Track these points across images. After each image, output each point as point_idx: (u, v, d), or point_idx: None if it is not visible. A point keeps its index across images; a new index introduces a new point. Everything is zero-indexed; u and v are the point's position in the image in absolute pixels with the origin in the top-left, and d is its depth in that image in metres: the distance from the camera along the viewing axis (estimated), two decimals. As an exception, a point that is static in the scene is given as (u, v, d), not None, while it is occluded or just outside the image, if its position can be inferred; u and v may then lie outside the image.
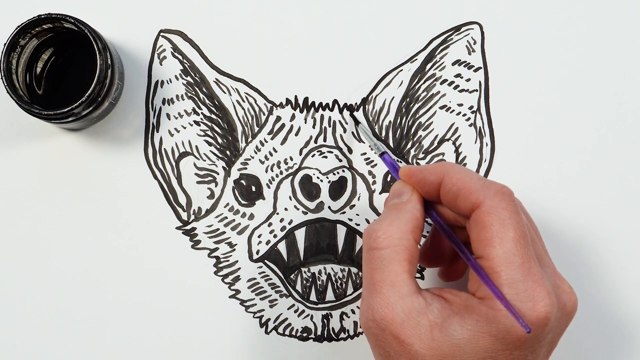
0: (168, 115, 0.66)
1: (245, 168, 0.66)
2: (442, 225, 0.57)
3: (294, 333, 0.66)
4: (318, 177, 0.66)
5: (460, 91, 0.67)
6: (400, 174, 0.58)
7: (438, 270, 0.63)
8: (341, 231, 0.66)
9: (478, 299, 0.54)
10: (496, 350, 0.52)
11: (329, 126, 0.66)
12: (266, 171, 0.66)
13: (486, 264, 0.53)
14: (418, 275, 0.67)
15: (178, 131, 0.66)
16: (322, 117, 0.66)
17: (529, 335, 0.52)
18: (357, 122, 0.65)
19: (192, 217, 0.66)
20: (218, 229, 0.66)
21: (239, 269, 0.66)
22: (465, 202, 0.55)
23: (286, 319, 0.66)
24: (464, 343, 0.52)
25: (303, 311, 0.66)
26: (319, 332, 0.66)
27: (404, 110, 0.67)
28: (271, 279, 0.66)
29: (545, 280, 0.53)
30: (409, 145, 0.67)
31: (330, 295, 0.66)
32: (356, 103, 0.66)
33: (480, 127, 0.67)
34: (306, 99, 0.66)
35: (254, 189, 0.66)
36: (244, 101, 0.66)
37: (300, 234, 0.66)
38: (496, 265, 0.52)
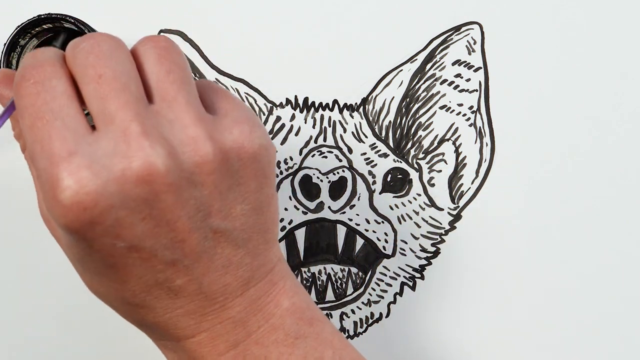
0: (168, 115, 0.66)
1: (245, 168, 0.66)
2: None
3: (294, 333, 0.66)
4: (318, 177, 0.66)
5: (460, 91, 0.67)
6: None
7: None
8: (341, 231, 0.66)
9: None
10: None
11: (329, 126, 0.66)
12: (266, 171, 0.66)
13: None
14: (418, 275, 0.67)
15: (178, 131, 0.66)
16: (322, 117, 0.66)
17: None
18: None
19: (192, 217, 0.66)
20: (218, 229, 0.66)
21: (239, 269, 0.66)
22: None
23: (286, 318, 0.66)
24: None
25: (303, 311, 0.66)
26: (319, 332, 0.66)
27: (404, 110, 0.67)
28: (271, 279, 0.66)
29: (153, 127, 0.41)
30: (409, 145, 0.67)
31: (330, 295, 0.66)
32: (356, 103, 0.66)
33: (480, 127, 0.67)
34: (306, 99, 0.66)
35: (254, 189, 0.66)
36: (243, 101, 0.66)
37: (300, 234, 0.66)
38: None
